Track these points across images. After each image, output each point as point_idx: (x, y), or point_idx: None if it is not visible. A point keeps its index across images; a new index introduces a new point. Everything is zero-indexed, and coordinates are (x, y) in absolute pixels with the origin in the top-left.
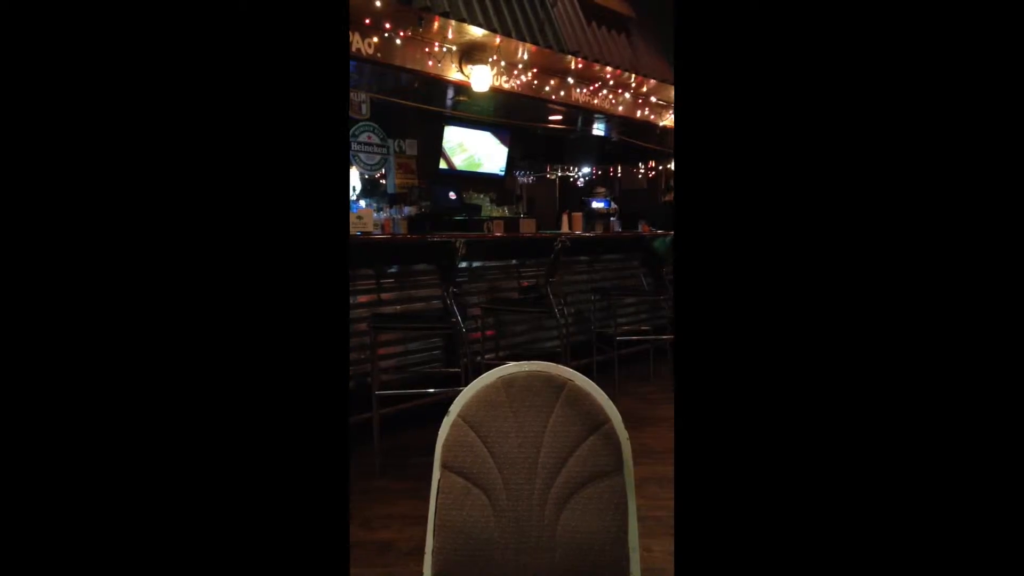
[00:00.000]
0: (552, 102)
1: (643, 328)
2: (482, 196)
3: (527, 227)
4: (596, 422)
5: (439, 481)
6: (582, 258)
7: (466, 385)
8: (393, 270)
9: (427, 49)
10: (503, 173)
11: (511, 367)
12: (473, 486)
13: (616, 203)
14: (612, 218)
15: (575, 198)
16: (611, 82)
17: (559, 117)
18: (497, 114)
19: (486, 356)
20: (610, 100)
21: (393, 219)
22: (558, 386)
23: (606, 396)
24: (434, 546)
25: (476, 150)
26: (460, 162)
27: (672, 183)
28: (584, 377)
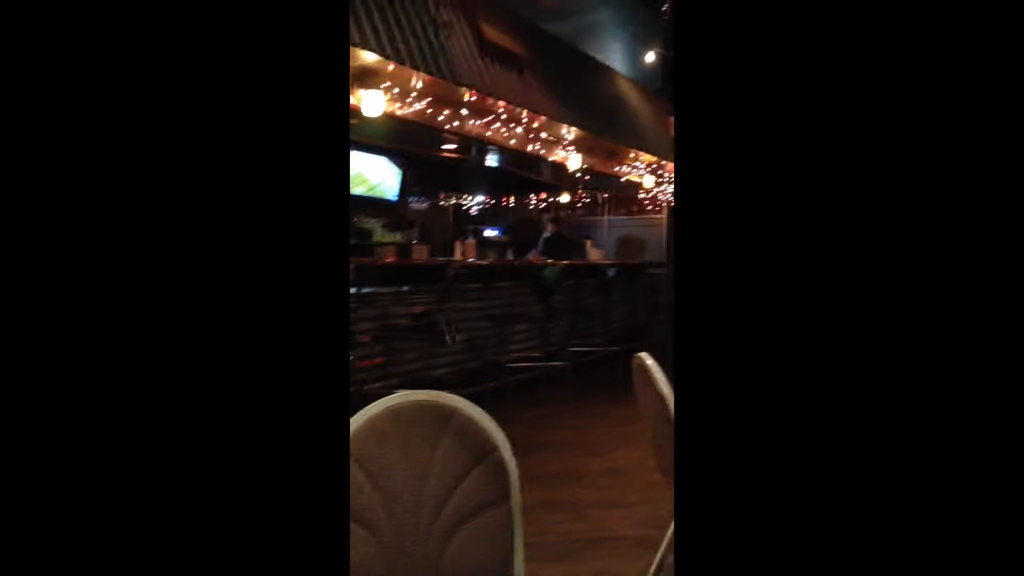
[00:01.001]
0: (446, 131)
1: (533, 354)
2: (374, 221)
3: (419, 254)
4: (484, 450)
5: None
6: (474, 285)
7: (352, 416)
8: None
9: None
10: (396, 199)
11: (398, 397)
12: (357, 525)
13: (508, 232)
14: (504, 247)
15: (468, 226)
16: (504, 116)
17: (453, 146)
18: (390, 140)
19: (375, 385)
20: (503, 133)
21: None
22: (446, 415)
23: (495, 423)
24: None
25: (375, 178)
26: (362, 191)
27: (560, 215)
28: (473, 405)
